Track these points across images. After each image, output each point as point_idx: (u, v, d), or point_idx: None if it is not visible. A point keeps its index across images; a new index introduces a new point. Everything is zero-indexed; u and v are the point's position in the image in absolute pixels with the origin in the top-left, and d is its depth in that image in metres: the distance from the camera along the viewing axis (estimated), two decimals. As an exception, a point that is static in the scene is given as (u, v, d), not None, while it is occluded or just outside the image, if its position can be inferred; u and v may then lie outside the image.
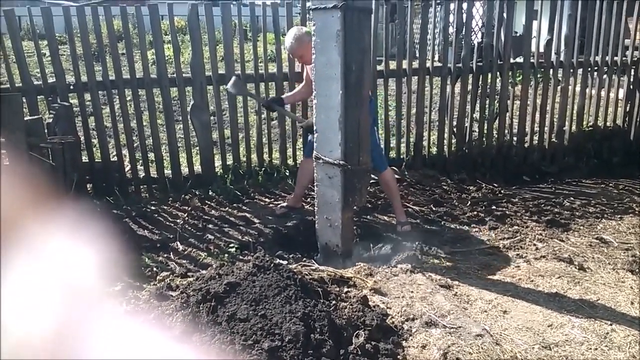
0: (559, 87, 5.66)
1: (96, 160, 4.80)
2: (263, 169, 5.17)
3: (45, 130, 3.69)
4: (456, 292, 3.09)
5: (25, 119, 3.44)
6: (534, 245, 3.83)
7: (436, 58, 5.79)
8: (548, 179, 5.41)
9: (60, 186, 3.83)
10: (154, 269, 3.56)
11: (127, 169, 5.02)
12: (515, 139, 5.77)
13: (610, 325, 2.73)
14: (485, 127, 5.59)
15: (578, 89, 5.76)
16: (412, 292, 3.02)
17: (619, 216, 4.42)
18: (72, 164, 4.09)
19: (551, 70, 5.60)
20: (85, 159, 4.78)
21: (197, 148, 5.05)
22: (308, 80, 4.21)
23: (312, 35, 3.33)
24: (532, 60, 5.56)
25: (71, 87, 4.63)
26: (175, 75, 4.82)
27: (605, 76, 5.81)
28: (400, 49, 5.25)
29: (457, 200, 4.79)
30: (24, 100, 4.29)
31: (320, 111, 3.42)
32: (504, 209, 4.56)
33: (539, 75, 5.60)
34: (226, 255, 3.75)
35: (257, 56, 5.03)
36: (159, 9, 4.66)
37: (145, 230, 4.22)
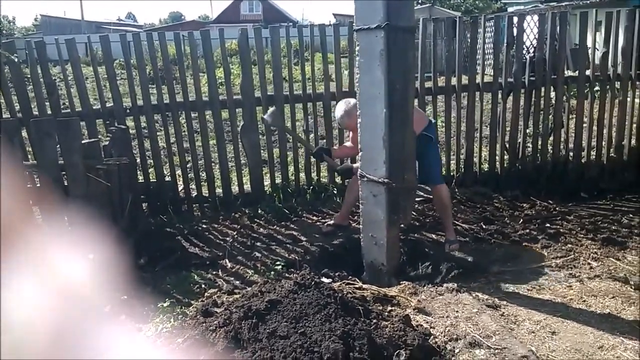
0: (616, 101, 5.46)
1: (151, 180, 4.99)
2: (311, 187, 5.23)
3: (102, 153, 3.86)
4: (503, 313, 3.01)
5: (83, 142, 3.62)
6: (588, 264, 3.69)
7: (488, 72, 5.72)
8: (607, 196, 5.18)
9: (116, 206, 3.99)
10: (203, 285, 3.66)
11: (180, 188, 5.18)
12: (571, 154, 5.60)
13: (668, 349, 2.60)
14: (540, 143, 5.45)
15: (638, 102, 5.53)
16: (457, 311, 2.97)
17: (683, 234, 4.20)
18: (128, 185, 4.26)
19: (608, 84, 5.41)
20: (141, 179, 4.98)
21: (247, 168, 5.16)
22: (355, 142, 4.25)
23: (356, 55, 3.38)
24: (587, 74, 5.39)
25: (128, 110, 4.85)
26: (226, 97, 4.96)
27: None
28: (449, 65, 5.22)
29: (509, 218, 4.68)
30: (84, 124, 4.53)
31: (365, 130, 3.44)
32: (558, 226, 4.42)
33: (595, 89, 5.42)
34: (272, 272, 3.81)
35: (305, 76, 5.11)
36: (210, 34, 4.82)
37: (196, 248, 4.35)
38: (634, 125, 5.55)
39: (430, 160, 4.11)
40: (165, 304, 3.19)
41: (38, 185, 3.77)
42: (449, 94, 5.26)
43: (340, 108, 4.22)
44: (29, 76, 4.77)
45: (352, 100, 4.23)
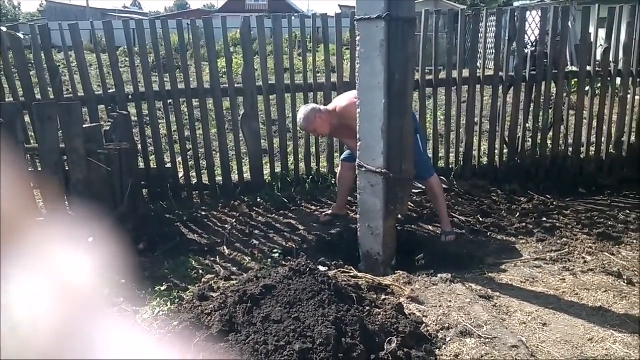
0: (617, 97, 5.47)
1: (152, 167, 5.03)
2: (310, 177, 5.26)
3: (103, 138, 3.89)
4: (495, 303, 3.04)
5: (85, 126, 3.66)
6: (583, 258, 3.72)
7: (490, 66, 5.73)
8: (605, 192, 5.19)
9: (116, 191, 4.03)
10: (200, 271, 3.70)
11: (180, 175, 5.22)
12: (570, 149, 5.60)
13: (657, 342, 2.63)
14: (539, 137, 5.46)
15: (638, 98, 5.54)
16: (450, 301, 3.00)
17: (679, 231, 4.22)
18: (129, 170, 4.30)
19: (609, 79, 5.42)
20: (142, 165, 5.01)
21: (248, 156, 5.19)
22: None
23: (357, 45, 3.39)
24: (588, 69, 5.40)
25: (130, 96, 4.88)
26: (227, 85, 4.99)
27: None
28: (450, 58, 5.23)
29: (506, 211, 4.70)
30: (86, 109, 4.56)
31: (364, 120, 3.46)
32: (555, 221, 4.44)
33: (596, 85, 5.43)
34: (269, 260, 3.85)
35: (307, 66, 5.13)
36: (212, 23, 4.84)
37: (195, 235, 4.39)
38: (634, 122, 5.56)
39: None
40: (162, 288, 3.23)
41: (39, 168, 3.81)
42: (449, 87, 5.27)
43: (299, 115, 4.24)
44: (32, 62, 4.79)
45: (310, 105, 4.27)
